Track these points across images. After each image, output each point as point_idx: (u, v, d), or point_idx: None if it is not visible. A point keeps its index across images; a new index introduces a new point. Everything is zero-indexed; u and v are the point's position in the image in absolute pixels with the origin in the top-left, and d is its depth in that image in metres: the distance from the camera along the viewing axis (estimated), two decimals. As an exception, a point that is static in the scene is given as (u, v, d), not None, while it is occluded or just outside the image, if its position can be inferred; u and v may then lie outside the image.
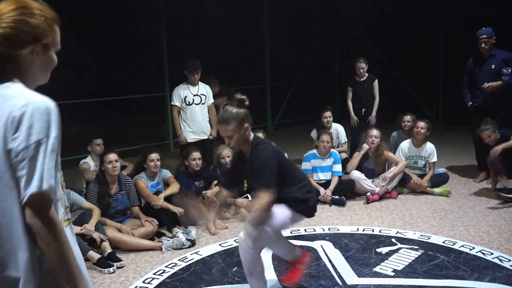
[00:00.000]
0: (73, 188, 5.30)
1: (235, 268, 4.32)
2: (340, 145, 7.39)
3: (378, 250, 4.62)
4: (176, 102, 6.46)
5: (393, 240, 4.86)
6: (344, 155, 7.01)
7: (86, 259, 4.42)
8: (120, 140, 9.37)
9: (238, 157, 3.52)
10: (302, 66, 13.35)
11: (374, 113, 7.69)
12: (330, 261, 4.40)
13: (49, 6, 1.65)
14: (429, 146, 6.52)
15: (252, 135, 3.37)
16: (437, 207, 5.87)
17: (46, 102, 1.53)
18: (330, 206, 6.04)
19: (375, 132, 6.38)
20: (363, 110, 7.68)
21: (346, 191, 6.22)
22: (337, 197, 6.07)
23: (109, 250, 4.56)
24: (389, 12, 12.31)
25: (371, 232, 5.09)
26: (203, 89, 6.60)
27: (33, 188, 1.47)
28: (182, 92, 6.46)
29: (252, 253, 3.35)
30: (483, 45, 6.58)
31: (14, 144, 1.49)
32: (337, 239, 4.92)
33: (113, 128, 10.51)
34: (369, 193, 6.12)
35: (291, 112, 12.78)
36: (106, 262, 4.41)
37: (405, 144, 6.61)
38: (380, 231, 5.11)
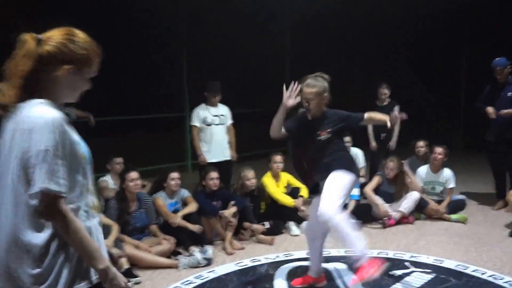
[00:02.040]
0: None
1: (249, 286, 4.62)
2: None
3: (391, 272, 4.85)
4: (196, 122, 6.78)
5: (406, 263, 5.11)
6: (362, 180, 7.26)
7: None
8: (138, 160, 9.72)
9: (301, 119, 4.21)
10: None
11: (394, 138, 7.97)
12: (343, 283, 4.68)
13: (95, 42, 2.05)
14: (447, 172, 6.79)
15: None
16: (452, 232, 6.13)
17: (51, 116, 1.85)
18: (346, 229, 6.29)
19: (390, 164, 6.68)
20: (382, 135, 7.97)
21: (363, 215, 6.48)
22: (353, 220, 6.32)
23: (126, 266, 4.85)
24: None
25: (385, 256, 5.33)
26: (223, 109, 6.91)
27: (36, 188, 1.80)
28: (202, 113, 6.79)
29: (339, 216, 3.82)
30: (498, 76, 6.87)
31: (21, 152, 1.84)
32: (351, 262, 5.18)
33: (132, 147, 10.85)
34: (386, 218, 6.37)
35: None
36: (123, 278, 4.72)
37: (423, 170, 6.90)
38: (394, 255, 5.37)
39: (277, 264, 5.17)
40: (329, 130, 4.07)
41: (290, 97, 4.01)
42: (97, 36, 2.10)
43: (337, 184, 3.93)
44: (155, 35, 10.98)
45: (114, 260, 4.90)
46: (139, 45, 11.14)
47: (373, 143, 8.02)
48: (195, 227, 5.48)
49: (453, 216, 6.57)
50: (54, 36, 1.97)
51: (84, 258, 1.92)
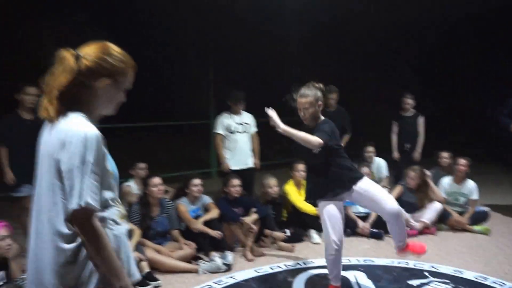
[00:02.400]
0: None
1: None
2: (380, 179, 7.69)
3: (410, 282, 4.92)
4: (220, 130, 6.92)
5: (426, 273, 5.16)
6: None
7: None
8: (163, 165, 9.91)
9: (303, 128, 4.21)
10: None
11: (419, 149, 8.02)
12: (362, 291, 4.74)
13: (128, 55, 2.17)
14: (470, 183, 6.81)
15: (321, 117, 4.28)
16: (474, 244, 6.13)
17: (87, 132, 1.95)
18: (368, 239, 6.37)
19: (412, 174, 6.75)
20: (407, 146, 8.01)
21: (384, 225, 6.49)
22: (375, 230, 6.38)
23: (147, 269, 5.00)
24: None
25: (405, 265, 5.39)
26: (247, 118, 7.04)
27: (73, 204, 1.90)
28: (226, 121, 6.92)
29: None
30: None
31: (61, 165, 1.95)
32: (370, 270, 5.25)
33: (157, 153, 11.09)
34: (408, 228, 6.39)
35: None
36: (143, 281, 4.85)
37: (446, 181, 6.93)
38: (414, 265, 5.39)
39: (296, 272, 5.25)
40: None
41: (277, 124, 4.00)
42: (130, 47, 2.24)
43: (376, 188, 4.36)
44: (183, 44, 11.21)
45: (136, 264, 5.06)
46: (168, 53, 11.37)
47: (396, 154, 8.07)
48: (215, 233, 5.58)
49: (476, 228, 6.57)
50: (91, 52, 2.09)
51: (107, 273, 1.99)
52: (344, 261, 5.42)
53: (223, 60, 11.24)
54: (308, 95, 4.19)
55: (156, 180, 5.57)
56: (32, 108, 5.62)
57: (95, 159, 1.94)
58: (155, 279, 4.95)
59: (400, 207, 4.35)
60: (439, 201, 6.62)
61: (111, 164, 2.12)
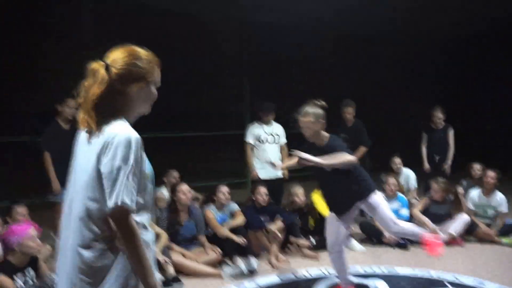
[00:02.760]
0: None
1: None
2: (409, 191, 7.75)
3: (429, 291, 5.00)
4: (250, 139, 7.11)
5: (447, 283, 5.20)
6: (414, 201, 7.36)
7: None
8: (199, 174, 10.20)
9: (310, 146, 4.43)
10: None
11: (449, 161, 8.07)
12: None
13: (152, 53, 2.30)
14: (500, 196, 6.82)
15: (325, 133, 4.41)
16: (503, 256, 6.11)
17: (129, 135, 2.07)
18: (393, 248, 6.45)
19: (434, 186, 6.84)
20: (437, 158, 8.06)
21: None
22: (401, 240, 6.45)
23: (171, 272, 5.26)
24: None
25: (427, 275, 5.45)
26: (277, 128, 7.21)
27: (111, 203, 2.01)
28: (256, 130, 7.11)
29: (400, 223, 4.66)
30: None
31: (102, 166, 2.06)
32: (392, 279, 5.32)
33: (193, 163, 11.35)
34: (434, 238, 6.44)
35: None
36: (168, 282, 5.12)
37: (475, 193, 6.96)
38: (437, 276, 5.43)
39: (319, 280, 5.36)
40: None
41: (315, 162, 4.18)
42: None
43: (381, 208, 4.51)
44: (219, 56, 11.52)
45: (160, 266, 5.31)
46: (204, 63, 11.67)
47: (427, 165, 8.13)
48: (239, 239, 5.77)
49: (504, 240, 6.56)
50: (119, 58, 2.19)
51: (138, 272, 2.11)
52: (367, 269, 5.58)
53: (259, 71, 11.52)
54: (309, 114, 4.32)
55: (184, 187, 5.83)
56: (70, 119, 6.06)
57: (136, 161, 2.07)
58: (179, 281, 5.19)
59: (400, 225, 4.61)
60: (465, 213, 6.65)
61: (147, 166, 2.23)
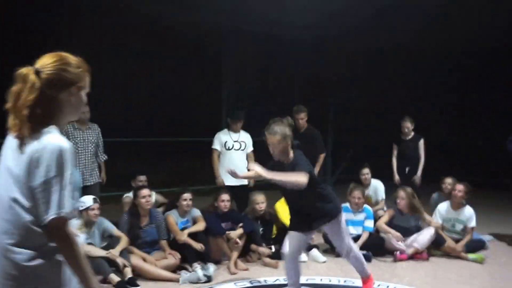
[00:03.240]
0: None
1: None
2: (377, 202, 7.76)
3: (384, 304, 5.02)
4: (217, 146, 7.17)
5: (404, 297, 5.24)
6: (382, 212, 7.36)
7: (107, 281, 5.26)
8: (175, 180, 10.29)
9: (276, 163, 4.55)
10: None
11: (419, 173, 8.09)
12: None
13: (82, 59, 2.31)
14: (468, 210, 6.79)
15: (291, 150, 4.48)
16: (466, 272, 6.10)
17: (61, 145, 2.08)
18: (357, 260, 6.46)
19: (401, 193, 6.80)
20: (407, 169, 8.08)
21: (375, 247, 6.61)
22: (364, 252, 6.46)
23: (129, 275, 5.32)
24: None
25: (385, 288, 5.48)
26: (244, 136, 7.28)
27: (51, 214, 2.02)
28: (223, 137, 7.19)
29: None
30: None
31: (36, 178, 2.05)
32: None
33: (173, 168, 11.49)
34: (398, 252, 6.47)
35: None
36: (124, 285, 5.17)
37: (443, 206, 6.94)
38: (394, 288, 5.48)
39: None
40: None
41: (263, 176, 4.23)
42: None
43: (343, 229, 4.74)
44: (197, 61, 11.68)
45: (119, 268, 5.37)
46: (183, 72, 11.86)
47: (397, 177, 8.15)
48: (198, 245, 5.84)
49: (471, 256, 6.54)
50: (48, 63, 2.17)
51: (80, 277, 2.15)
52: (325, 280, 5.62)
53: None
54: (276, 133, 4.35)
55: (145, 191, 5.90)
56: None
57: (68, 171, 2.08)
58: (136, 285, 5.25)
59: (352, 247, 4.85)
60: (431, 226, 6.66)
61: (75, 174, 2.31)
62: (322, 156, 7.69)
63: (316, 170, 7.17)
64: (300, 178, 4.12)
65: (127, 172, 7.56)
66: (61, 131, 2.22)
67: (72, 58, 2.25)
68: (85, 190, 6.61)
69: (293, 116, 7.32)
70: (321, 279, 5.72)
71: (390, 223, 6.77)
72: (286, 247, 4.65)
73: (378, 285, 5.52)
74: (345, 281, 5.67)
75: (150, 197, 5.95)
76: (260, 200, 6.50)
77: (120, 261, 5.38)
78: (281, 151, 4.40)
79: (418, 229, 6.76)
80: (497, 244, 7.34)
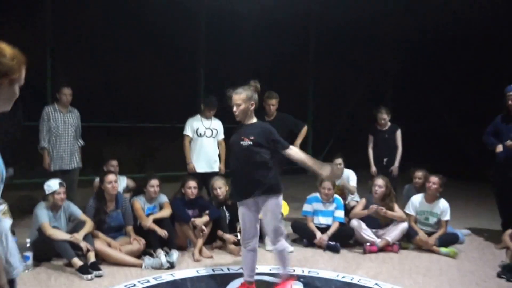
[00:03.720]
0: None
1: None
2: (349, 191, 7.72)
3: (344, 298, 4.99)
4: (188, 132, 7.17)
5: (364, 289, 5.20)
6: (353, 203, 7.34)
7: (70, 264, 5.35)
8: (150, 165, 10.29)
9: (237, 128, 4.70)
10: (349, 104, 13.86)
11: (396, 163, 8.02)
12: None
13: (19, 51, 2.24)
14: (442, 203, 6.72)
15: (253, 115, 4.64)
16: (435, 266, 6.07)
17: None
18: (324, 251, 6.46)
19: (380, 181, 6.73)
20: (384, 160, 8.03)
21: (345, 238, 6.59)
22: (332, 243, 6.45)
23: (92, 259, 5.37)
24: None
25: (349, 280, 5.45)
26: (216, 124, 7.29)
27: None
28: (195, 123, 7.19)
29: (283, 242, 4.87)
30: (510, 102, 6.78)
31: None
32: (310, 282, 5.32)
33: (151, 153, 11.53)
34: (368, 244, 6.44)
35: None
36: (86, 269, 5.21)
37: (417, 198, 6.88)
38: (358, 281, 5.44)
39: (236, 276, 5.37)
40: (251, 138, 4.48)
41: None
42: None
43: (273, 216, 4.65)
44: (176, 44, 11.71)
45: (83, 252, 5.41)
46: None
47: (374, 168, 8.09)
48: (162, 232, 5.85)
49: (443, 250, 6.48)
50: None
51: None
52: (290, 270, 5.58)
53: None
54: (241, 93, 4.53)
55: (111, 177, 5.92)
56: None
57: None
58: (99, 269, 5.30)
59: (283, 246, 4.81)
60: (400, 221, 6.63)
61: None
62: (305, 129, 7.43)
63: (298, 142, 7.19)
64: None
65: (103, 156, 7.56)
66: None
67: (7, 49, 2.17)
68: (64, 175, 6.69)
69: (264, 101, 7.21)
70: (309, 271, 5.69)
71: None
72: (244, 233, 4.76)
73: (343, 277, 5.52)
74: (309, 272, 5.65)
75: (116, 182, 5.95)
76: (218, 185, 6.50)
77: (83, 245, 5.42)
78: (243, 111, 4.54)
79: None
80: (473, 238, 7.30)
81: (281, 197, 4.69)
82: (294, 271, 5.55)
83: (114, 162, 7.14)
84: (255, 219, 4.67)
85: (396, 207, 6.68)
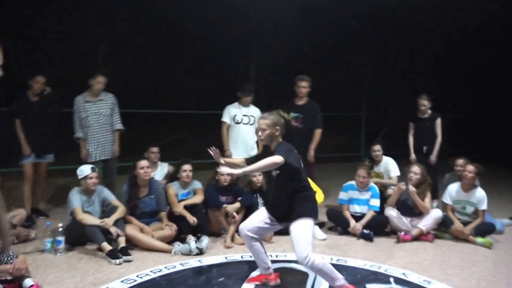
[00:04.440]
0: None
1: (222, 279, 4.97)
2: (390, 179, 7.57)
3: (368, 285, 4.92)
4: (226, 119, 7.25)
5: (391, 279, 5.11)
6: (391, 191, 7.20)
7: (100, 249, 5.51)
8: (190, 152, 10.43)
9: (266, 152, 4.60)
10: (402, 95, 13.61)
11: (435, 152, 7.85)
12: (311, 288, 4.85)
13: None
14: (479, 192, 6.56)
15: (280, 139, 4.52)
16: (469, 257, 5.92)
17: None
18: (358, 239, 6.43)
19: (415, 168, 6.64)
20: (424, 148, 7.86)
21: (379, 227, 6.52)
22: (366, 231, 6.39)
23: (122, 244, 5.52)
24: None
25: (376, 269, 5.39)
26: (254, 111, 7.31)
27: None
28: (233, 110, 7.25)
29: (316, 259, 4.42)
30: None
31: None
32: (337, 270, 5.28)
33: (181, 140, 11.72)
34: (402, 233, 6.35)
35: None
36: (116, 254, 5.36)
37: (453, 188, 6.74)
38: (386, 270, 5.37)
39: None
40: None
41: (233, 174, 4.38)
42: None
43: (302, 234, 4.33)
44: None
45: (113, 237, 5.57)
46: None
47: (413, 156, 7.95)
48: (191, 218, 5.95)
49: (479, 240, 6.33)
50: None
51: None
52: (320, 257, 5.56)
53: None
54: (267, 118, 4.47)
55: (143, 163, 6.03)
56: (38, 93, 6.77)
57: None
58: (128, 254, 5.42)
59: (314, 261, 4.33)
60: (425, 212, 6.52)
61: None
62: (319, 132, 7.44)
63: (313, 146, 7.31)
64: (272, 159, 4.15)
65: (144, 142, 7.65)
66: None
67: None
68: (100, 165, 6.88)
69: (295, 83, 7.26)
70: (337, 259, 5.68)
71: (398, 201, 6.70)
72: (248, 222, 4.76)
73: (371, 266, 5.47)
74: (337, 260, 5.63)
75: (148, 168, 6.06)
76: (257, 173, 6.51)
77: (113, 230, 5.58)
78: (268, 136, 4.46)
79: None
80: (514, 228, 7.08)
81: (309, 221, 4.43)
82: (323, 258, 5.53)
83: (155, 149, 7.22)
84: (269, 226, 4.72)
85: (427, 198, 6.56)
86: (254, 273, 5.06)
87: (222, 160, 4.64)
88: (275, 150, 4.36)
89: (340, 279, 4.46)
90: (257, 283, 4.85)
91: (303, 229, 4.34)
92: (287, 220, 4.48)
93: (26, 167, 6.84)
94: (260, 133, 4.49)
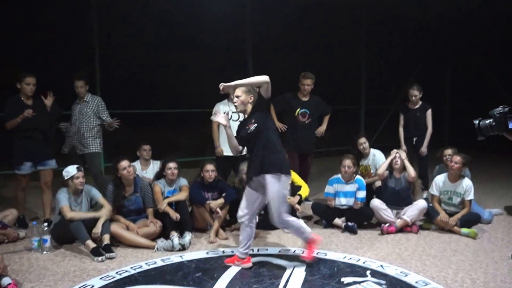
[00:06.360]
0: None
1: (199, 274, 4.99)
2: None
3: (343, 279, 4.87)
4: None
5: (368, 272, 5.06)
6: (378, 183, 7.13)
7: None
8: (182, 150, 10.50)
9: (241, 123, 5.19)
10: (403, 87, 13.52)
11: (425, 143, 7.77)
12: (286, 282, 4.79)
13: None
14: (466, 183, 6.45)
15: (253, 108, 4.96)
16: (452, 247, 5.85)
17: None
18: (342, 232, 6.41)
19: (403, 154, 6.65)
20: (414, 139, 7.77)
21: (364, 219, 6.48)
22: (350, 224, 6.36)
23: (106, 242, 5.62)
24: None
25: (354, 262, 5.36)
26: None
27: None
28: (223, 107, 7.26)
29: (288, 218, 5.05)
30: None
31: None
32: (313, 263, 5.27)
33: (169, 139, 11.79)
34: (386, 224, 6.30)
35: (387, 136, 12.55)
36: (99, 251, 5.45)
37: (440, 178, 6.64)
38: (364, 262, 5.34)
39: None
40: (253, 121, 4.86)
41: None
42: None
43: (276, 196, 4.85)
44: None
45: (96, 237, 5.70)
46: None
47: (404, 147, 7.87)
48: (174, 214, 5.99)
49: (464, 230, 6.24)
50: None
51: None
52: (299, 251, 5.58)
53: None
54: (243, 87, 4.90)
55: (124, 163, 6.07)
56: (30, 95, 6.66)
57: None
58: (111, 251, 5.52)
59: (287, 220, 5.00)
60: (410, 180, 6.57)
61: None
62: (328, 116, 7.90)
63: (324, 126, 7.92)
64: (261, 76, 4.72)
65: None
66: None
67: None
68: (81, 158, 7.03)
69: (300, 81, 7.41)
70: (294, 251, 5.71)
71: (382, 185, 6.71)
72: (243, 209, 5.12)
73: (349, 259, 5.45)
74: (317, 253, 5.58)
75: (130, 167, 6.11)
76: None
77: (95, 231, 5.71)
78: (242, 102, 4.92)
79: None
80: (504, 218, 6.98)
81: (283, 177, 4.85)
82: (302, 252, 5.52)
83: (147, 147, 7.32)
84: (255, 198, 5.03)
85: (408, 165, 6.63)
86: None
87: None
88: (251, 115, 4.92)
89: (308, 232, 5.18)
90: (231, 264, 5.17)
91: (276, 191, 4.80)
92: (260, 172, 4.84)
93: (21, 177, 6.72)
94: (235, 99, 4.91)
